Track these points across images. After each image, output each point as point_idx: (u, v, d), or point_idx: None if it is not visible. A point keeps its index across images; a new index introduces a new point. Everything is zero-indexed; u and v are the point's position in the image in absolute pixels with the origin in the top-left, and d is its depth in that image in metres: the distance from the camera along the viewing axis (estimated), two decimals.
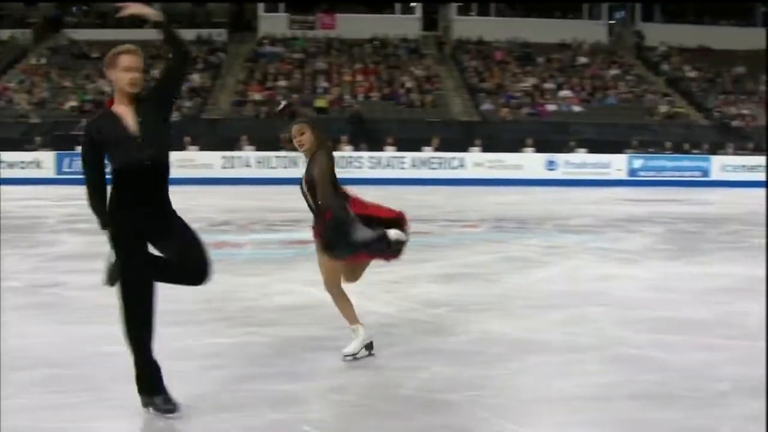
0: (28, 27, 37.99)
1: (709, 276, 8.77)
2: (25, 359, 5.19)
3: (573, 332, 6.08)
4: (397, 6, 39.87)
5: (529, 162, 26.70)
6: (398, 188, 21.01)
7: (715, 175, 26.76)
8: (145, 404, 4.22)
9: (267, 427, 4.11)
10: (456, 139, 27.50)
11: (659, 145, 27.72)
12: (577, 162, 26.74)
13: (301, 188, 5.28)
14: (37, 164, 25.52)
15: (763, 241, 11.75)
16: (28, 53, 35.68)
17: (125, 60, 4.09)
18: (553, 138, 27.82)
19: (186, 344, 5.53)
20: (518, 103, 31.17)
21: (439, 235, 12.23)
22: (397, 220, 5.25)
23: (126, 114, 4.12)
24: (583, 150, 27.07)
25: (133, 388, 4.23)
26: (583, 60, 35.71)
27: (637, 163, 26.93)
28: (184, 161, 24.19)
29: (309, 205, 5.29)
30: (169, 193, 4.28)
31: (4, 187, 20.20)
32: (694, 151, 27.60)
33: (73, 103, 29.74)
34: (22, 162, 25.46)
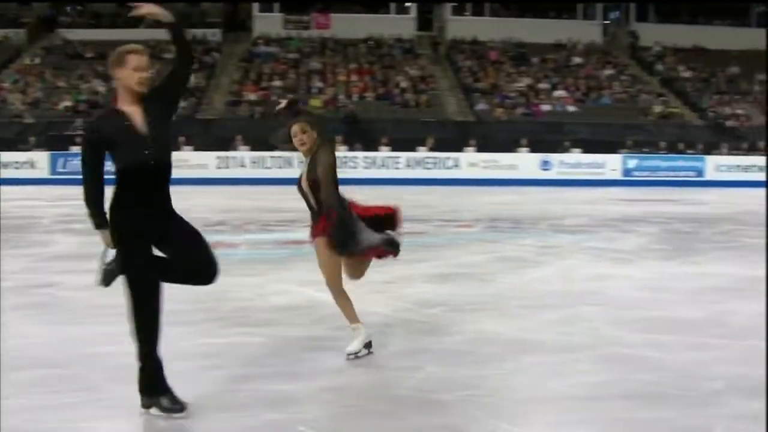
0: (22, 27, 37.93)
1: (703, 276, 8.80)
2: (20, 359, 5.19)
3: (567, 332, 6.09)
4: (392, 6, 39.87)
5: (524, 162, 26.74)
6: (393, 188, 21.03)
7: (710, 175, 26.83)
8: (148, 405, 4.21)
9: (262, 427, 4.12)
10: (451, 139, 27.53)
11: (654, 145, 27.78)
12: (572, 162, 26.78)
13: (300, 188, 5.28)
14: (32, 164, 25.50)
15: (758, 241, 11.79)
16: (22, 53, 35.62)
17: (135, 59, 4.11)
18: (547, 138, 27.86)
19: (181, 345, 5.51)
20: (513, 103, 31.21)
21: (434, 235, 12.24)
22: (393, 215, 5.31)
23: (134, 113, 4.14)
24: (577, 150, 27.12)
25: (129, 388, 4.23)
26: (577, 60, 35.76)
27: (632, 163, 26.98)
28: (178, 161, 23.78)
29: (309, 205, 5.29)
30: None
31: None
32: (689, 151, 27.67)
33: (68, 103, 29.70)
34: (17, 162, 25.44)
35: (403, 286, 7.80)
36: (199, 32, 36.35)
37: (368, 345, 5.41)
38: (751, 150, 27.77)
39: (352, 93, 31.49)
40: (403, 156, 26.49)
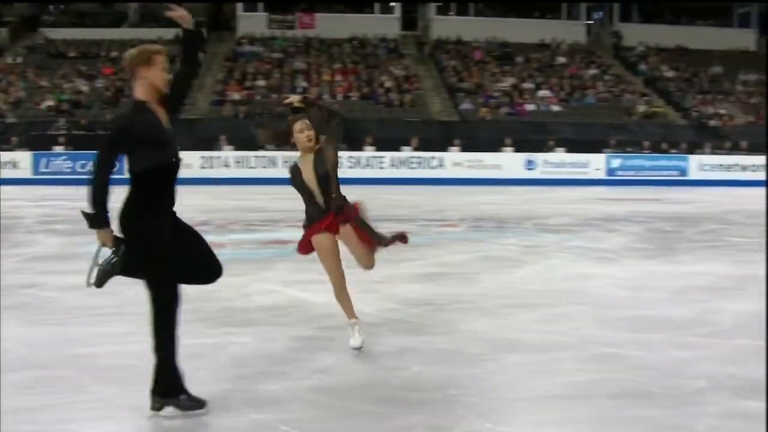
0: (4, 25, 37.69)
1: (687, 275, 8.83)
2: (5, 361, 5.14)
3: (551, 331, 6.11)
4: (377, 6, 39.88)
5: (508, 161, 26.80)
6: (377, 188, 21.02)
7: (693, 174, 26.97)
8: (160, 405, 4.19)
9: (247, 427, 4.11)
10: (435, 139, 27.55)
11: (637, 145, 27.89)
12: (556, 161, 26.86)
13: (301, 184, 5.30)
14: (14, 164, 25.30)
15: (742, 239, 11.88)
16: (5, 52, 35.38)
17: (161, 60, 4.18)
18: (531, 137, 27.91)
19: None
20: (497, 103, 31.26)
21: (418, 234, 12.22)
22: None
23: (159, 112, 4.18)
24: (561, 149, 27.19)
25: (120, 388, 4.23)
26: (561, 60, 35.87)
27: (616, 162, 27.09)
28: None
29: (312, 201, 5.32)
30: None
31: None
32: (672, 151, 27.79)
33: (50, 103, 29.53)
34: None
35: (387, 286, 7.79)
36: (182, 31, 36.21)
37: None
38: (734, 149, 27.93)
39: (337, 93, 31.46)
40: (388, 156, 26.51)
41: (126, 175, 4.15)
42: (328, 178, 5.27)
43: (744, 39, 39.12)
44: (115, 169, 4.07)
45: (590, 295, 7.55)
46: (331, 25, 37.07)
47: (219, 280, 4.53)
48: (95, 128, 25.68)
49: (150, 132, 4.10)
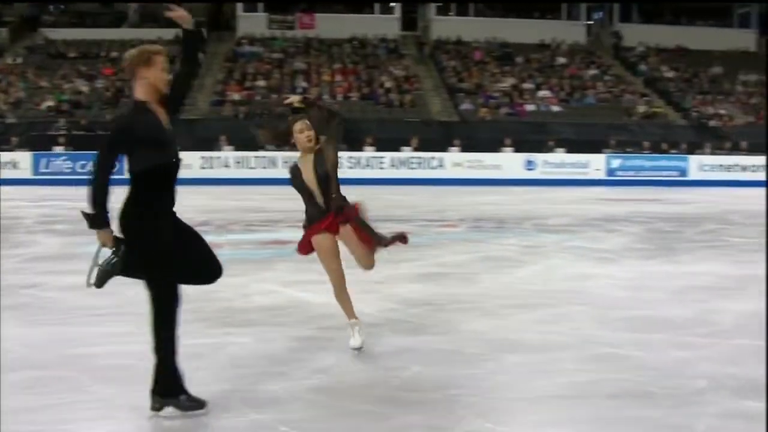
0: (4, 25, 37.68)
1: (687, 275, 8.83)
2: (5, 361, 5.14)
3: (551, 331, 6.11)
4: (377, 6, 39.87)
5: (508, 162, 26.79)
6: (377, 188, 21.01)
7: (693, 174, 26.96)
8: (160, 406, 4.19)
9: (247, 427, 4.11)
10: (435, 139, 27.54)
11: (637, 145, 27.88)
12: (556, 162, 26.85)
13: (301, 184, 5.30)
14: (14, 165, 25.30)
15: (741, 240, 11.88)
16: (5, 52, 35.37)
17: (161, 60, 4.18)
18: (531, 138, 27.90)
19: None
20: (497, 103, 31.25)
21: (418, 234, 12.21)
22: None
23: (159, 112, 4.18)
24: (561, 150, 27.18)
25: (120, 388, 4.22)
26: (561, 60, 35.86)
27: (616, 162, 27.08)
28: None
29: (312, 202, 5.32)
30: None
31: None
32: (672, 151, 27.78)
33: (50, 103, 29.52)
34: None
35: (387, 286, 7.78)
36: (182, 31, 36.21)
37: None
38: (734, 150, 27.93)
39: (337, 93, 31.44)
40: (388, 156, 26.50)
41: (126, 176, 4.15)
42: (328, 179, 5.27)
43: (744, 39, 39.13)
44: (115, 170, 4.06)
45: (590, 296, 7.55)
46: (331, 25, 37.06)
47: (219, 280, 4.52)
48: (95, 128, 25.68)
49: (150, 132, 4.10)
